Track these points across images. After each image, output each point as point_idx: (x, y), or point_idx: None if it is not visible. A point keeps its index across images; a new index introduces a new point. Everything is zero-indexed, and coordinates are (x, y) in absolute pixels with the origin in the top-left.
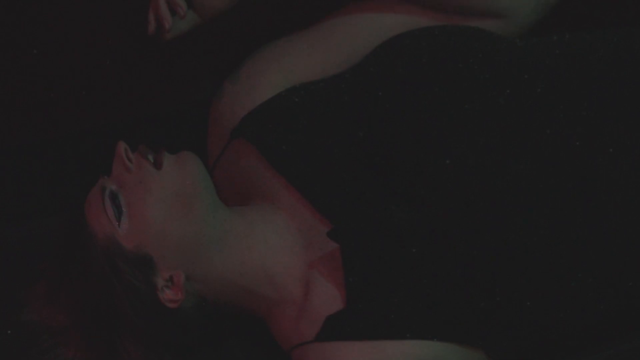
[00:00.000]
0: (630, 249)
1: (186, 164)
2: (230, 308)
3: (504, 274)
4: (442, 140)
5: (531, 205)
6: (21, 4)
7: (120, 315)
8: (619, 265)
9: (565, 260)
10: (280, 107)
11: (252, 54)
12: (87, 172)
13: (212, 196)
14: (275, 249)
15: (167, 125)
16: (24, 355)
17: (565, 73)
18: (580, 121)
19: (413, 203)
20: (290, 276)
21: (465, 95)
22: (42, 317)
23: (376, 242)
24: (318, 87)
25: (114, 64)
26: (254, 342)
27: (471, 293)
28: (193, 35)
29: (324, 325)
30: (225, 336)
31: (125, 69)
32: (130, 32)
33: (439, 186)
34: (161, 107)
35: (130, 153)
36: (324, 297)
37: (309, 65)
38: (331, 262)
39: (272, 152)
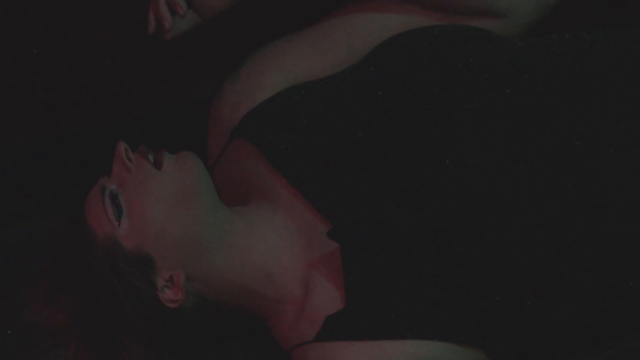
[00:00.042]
0: (630, 249)
1: (186, 164)
2: (230, 308)
3: (504, 273)
4: (442, 140)
5: (531, 205)
6: (21, 4)
7: (120, 315)
8: (619, 265)
9: (565, 260)
10: (281, 106)
11: (252, 54)
12: (87, 172)
13: (212, 196)
14: (275, 248)
15: (167, 125)
16: (24, 355)
17: (565, 73)
18: (580, 121)
19: (413, 203)
20: (290, 276)
21: (465, 95)
22: (42, 317)
23: (376, 242)
24: (318, 87)
25: (114, 64)
26: (254, 342)
27: (471, 293)
28: (193, 35)
29: (323, 325)
30: (225, 336)
31: (125, 69)
32: (130, 32)
33: (439, 186)
34: (161, 107)
35: (130, 153)
36: (324, 297)
37: (309, 65)
38: (331, 262)
39: (272, 151)
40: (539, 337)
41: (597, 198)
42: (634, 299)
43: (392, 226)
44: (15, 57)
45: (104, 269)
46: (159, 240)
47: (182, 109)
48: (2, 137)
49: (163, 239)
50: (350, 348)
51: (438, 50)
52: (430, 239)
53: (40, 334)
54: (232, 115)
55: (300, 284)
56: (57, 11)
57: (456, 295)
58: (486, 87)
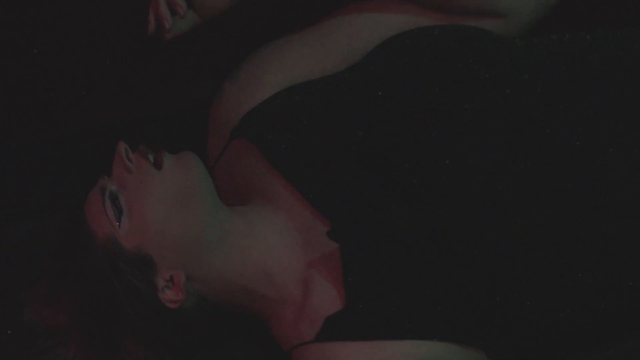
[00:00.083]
0: (630, 249)
1: (186, 164)
2: (230, 308)
3: (504, 274)
4: (442, 140)
5: (531, 205)
6: (21, 4)
7: (121, 316)
8: (619, 265)
9: (565, 260)
10: (281, 106)
11: (252, 54)
12: (87, 172)
13: (212, 196)
14: (275, 248)
15: (167, 125)
16: (24, 355)
17: (565, 73)
18: (580, 121)
19: (413, 203)
20: (290, 276)
21: (465, 95)
22: (42, 317)
23: (376, 242)
24: (318, 87)
25: (114, 64)
26: (254, 342)
27: (471, 293)
28: (193, 35)
29: (323, 325)
30: (225, 336)
31: (125, 69)
32: (130, 32)
33: (439, 186)
34: (161, 107)
35: (130, 153)
36: (324, 297)
37: (309, 65)
38: (331, 261)
39: (272, 151)
40: (539, 337)
41: (597, 198)
42: (634, 299)
43: (392, 226)
44: (15, 57)
45: (104, 269)
46: (159, 241)
47: (182, 109)
48: (2, 137)
49: (163, 239)
50: (350, 348)
51: (438, 50)
52: (430, 239)
53: (40, 334)
54: (232, 115)
55: (300, 284)
56: (57, 11)
57: (456, 295)
58: (486, 87)
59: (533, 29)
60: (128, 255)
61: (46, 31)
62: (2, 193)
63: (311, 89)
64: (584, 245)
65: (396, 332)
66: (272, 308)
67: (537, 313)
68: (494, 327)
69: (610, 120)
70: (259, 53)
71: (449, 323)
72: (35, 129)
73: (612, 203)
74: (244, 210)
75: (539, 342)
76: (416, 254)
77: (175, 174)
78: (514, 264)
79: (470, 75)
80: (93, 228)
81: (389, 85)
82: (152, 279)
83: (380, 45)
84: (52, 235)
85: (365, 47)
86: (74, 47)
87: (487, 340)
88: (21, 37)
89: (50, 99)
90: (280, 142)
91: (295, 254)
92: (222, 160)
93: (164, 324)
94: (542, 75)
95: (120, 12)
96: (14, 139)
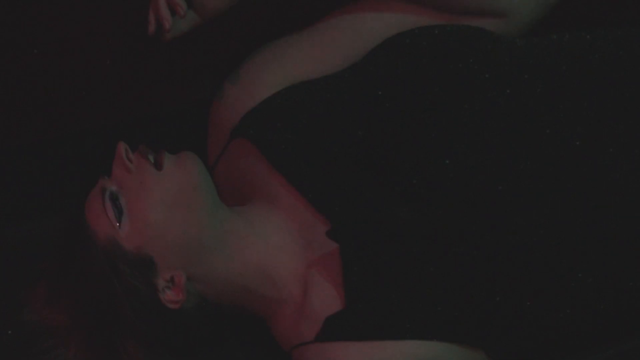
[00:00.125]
0: (630, 249)
1: (187, 164)
2: (230, 308)
3: (504, 274)
4: (442, 140)
5: (531, 205)
6: (21, 4)
7: (121, 316)
8: (619, 265)
9: (565, 260)
10: (280, 106)
11: (252, 54)
12: (87, 172)
13: (212, 196)
14: (275, 249)
15: (167, 125)
16: (24, 356)
17: (565, 73)
18: (581, 121)
19: (413, 203)
20: (290, 276)
21: (465, 95)
22: (42, 317)
23: (376, 242)
24: (318, 86)
25: (114, 64)
26: (254, 342)
27: (471, 293)
28: (193, 35)
29: (323, 325)
30: (225, 337)
31: (125, 69)
32: (130, 32)
33: (439, 186)
34: (161, 107)
35: (130, 154)
36: (323, 297)
37: (309, 65)
38: (331, 261)
39: (272, 151)
40: (539, 337)
41: (597, 198)
42: (634, 299)
43: (391, 226)
44: (15, 57)
45: (104, 269)
46: (159, 241)
47: (182, 109)
48: (2, 137)
49: (164, 240)
50: (350, 348)
51: (438, 50)
52: (430, 239)
53: (41, 334)
54: (232, 115)
55: (300, 284)
56: (57, 11)
57: (456, 295)
58: (486, 87)
59: (533, 29)
60: (128, 256)
61: (46, 31)
62: (2, 193)
63: (311, 89)
64: (584, 245)
65: (396, 332)
66: (272, 308)
67: (537, 313)
68: (494, 327)
69: (610, 120)
70: (259, 53)
71: (449, 323)
72: (35, 129)
73: (612, 203)
74: (244, 210)
75: (539, 342)
76: (416, 254)
77: (175, 174)
78: (514, 264)
79: (470, 75)
80: (93, 229)
81: (388, 84)
82: (153, 280)
83: (380, 44)
84: (52, 235)
85: (365, 46)
86: (74, 47)
87: (487, 340)
88: (21, 37)
89: (50, 99)
90: (280, 142)
91: (295, 254)
92: (222, 160)
93: (164, 325)
94: (542, 75)
95: (120, 12)
96: (14, 139)
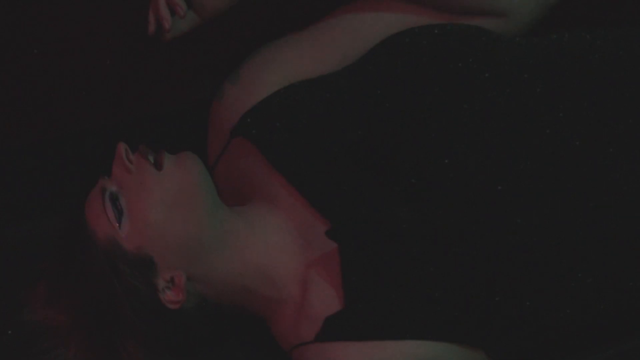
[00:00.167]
0: (630, 249)
1: (186, 165)
2: (230, 308)
3: (504, 274)
4: (442, 140)
5: (531, 204)
6: (21, 4)
7: (121, 316)
8: (619, 265)
9: (565, 260)
10: (280, 105)
11: (252, 54)
12: (87, 172)
13: (212, 196)
14: (275, 249)
15: (167, 125)
16: (24, 356)
17: (565, 73)
18: (580, 121)
19: (412, 203)
20: (290, 276)
21: (465, 95)
22: (42, 317)
23: (375, 242)
24: (317, 86)
25: (114, 64)
26: (254, 342)
27: (471, 293)
28: (193, 35)
29: (323, 325)
30: (225, 337)
31: (125, 69)
32: (130, 32)
33: (439, 186)
34: (161, 107)
35: (130, 154)
36: (323, 297)
37: (309, 64)
38: (330, 261)
39: (272, 150)
40: (539, 337)
41: (597, 198)
42: (634, 299)
43: (391, 226)
44: (15, 57)
45: (104, 269)
46: (159, 241)
47: (182, 109)
48: (2, 137)
49: (164, 240)
50: (349, 348)
51: (438, 50)
52: (430, 238)
53: (41, 334)
54: (232, 115)
55: (300, 283)
56: (57, 11)
57: (456, 295)
58: (486, 87)
59: (533, 29)
60: (128, 256)
61: (46, 31)
62: (2, 193)
63: (310, 88)
64: (584, 245)
65: (396, 332)
66: (272, 308)
67: (537, 313)
68: (494, 327)
69: (610, 120)
70: (258, 53)
71: (449, 323)
72: (35, 129)
73: (612, 203)
74: (244, 210)
75: (539, 342)
76: (416, 254)
77: (175, 174)
78: (514, 264)
79: (470, 74)
80: (93, 229)
81: (388, 84)
82: (153, 280)
83: (379, 44)
84: (52, 235)
85: (365, 46)
86: (74, 47)
87: (487, 340)
88: (21, 37)
89: (50, 99)
90: (279, 141)
91: (295, 254)
92: (222, 160)
93: (164, 325)
94: (542, 75)
95: (120, 12)
96: (14, 139)
